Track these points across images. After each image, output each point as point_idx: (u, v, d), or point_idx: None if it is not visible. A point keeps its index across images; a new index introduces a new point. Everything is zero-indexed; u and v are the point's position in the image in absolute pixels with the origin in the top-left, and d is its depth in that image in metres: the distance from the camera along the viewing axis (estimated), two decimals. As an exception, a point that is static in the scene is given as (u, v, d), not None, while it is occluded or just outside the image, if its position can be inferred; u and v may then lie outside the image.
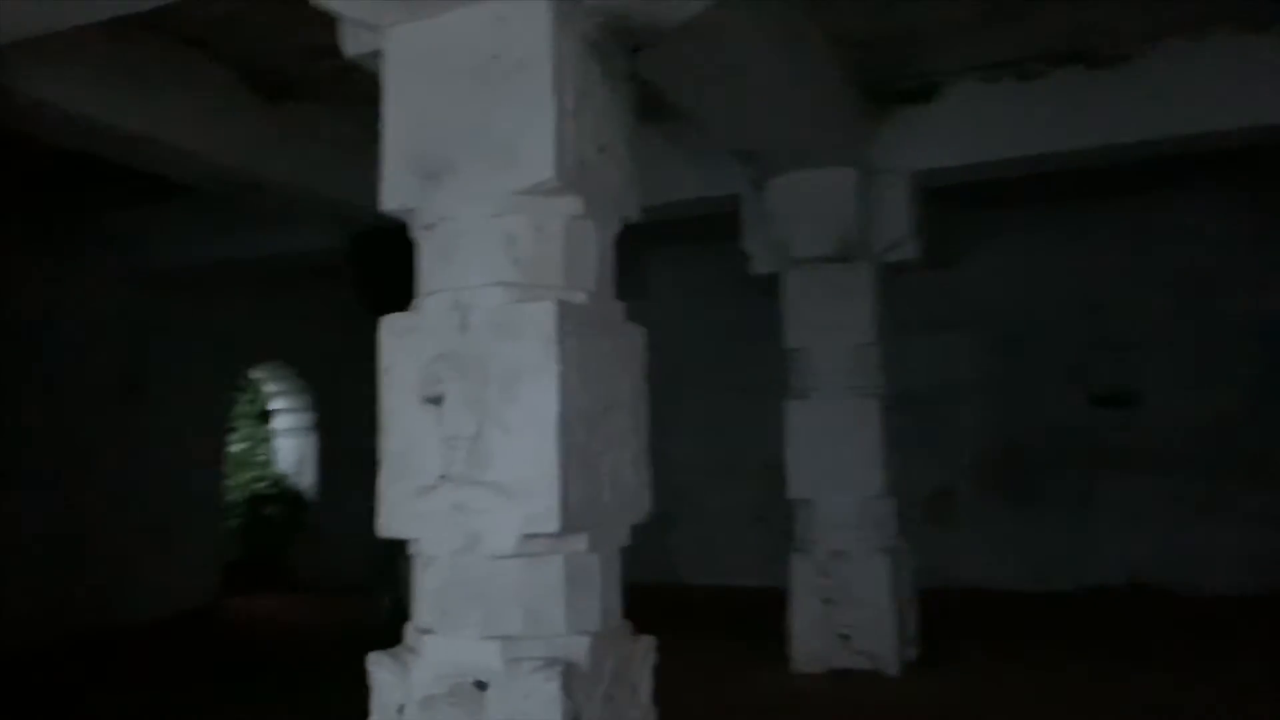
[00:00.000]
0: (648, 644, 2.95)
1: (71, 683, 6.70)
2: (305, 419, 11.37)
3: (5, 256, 7.63)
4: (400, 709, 2.69)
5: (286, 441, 11.72)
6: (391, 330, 2.85)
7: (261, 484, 11.68)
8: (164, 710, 5.87)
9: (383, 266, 6.28)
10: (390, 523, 2.80)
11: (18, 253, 7.80)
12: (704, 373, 9.90)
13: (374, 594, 7.58)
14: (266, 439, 12.08)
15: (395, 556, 2.95)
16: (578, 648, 2.64)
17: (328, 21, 3.17)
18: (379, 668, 2.76)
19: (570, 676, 2.56)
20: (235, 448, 11.30)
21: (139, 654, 7.64)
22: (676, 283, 10.10)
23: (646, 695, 2.91)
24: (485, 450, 2.63)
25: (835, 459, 6.25)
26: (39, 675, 6.86)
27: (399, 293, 3.12)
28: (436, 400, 2.71)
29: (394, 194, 2.89)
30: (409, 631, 2.82)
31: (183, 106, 5.58)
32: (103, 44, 4.98)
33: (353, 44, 3.12)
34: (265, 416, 12.00)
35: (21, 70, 4.65)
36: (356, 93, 5.49)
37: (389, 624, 3.34)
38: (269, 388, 11.58)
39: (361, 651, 2.85)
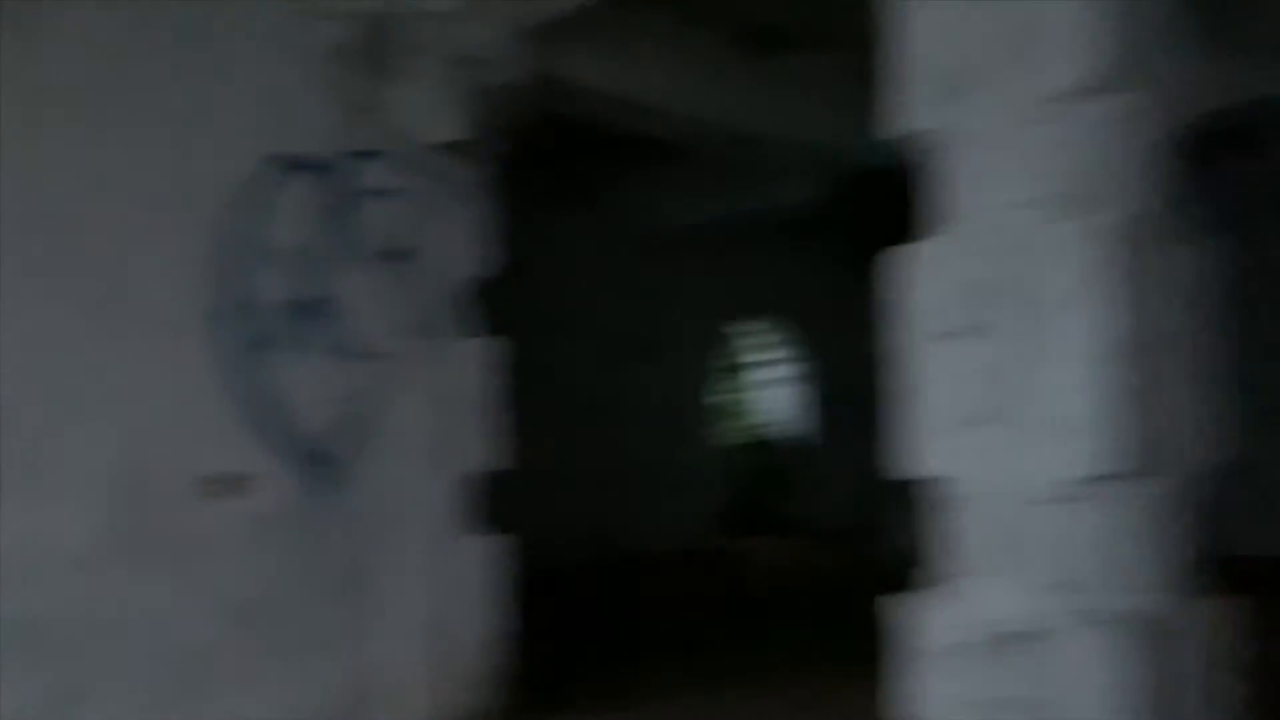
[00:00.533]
0: (1237, 605, 2.55)
1: (596, 599, 7.48)
2: (795, 369, 11.64)
3: (534, 223, 8.55)
4: (927, 655, 2.57)
5: (775, 391, 12.11)
6: (905, 263, 2.70)
7: (753, 432, 12.20)
8: (680, 630, 6.32)
9: (872, 209, 6.16)
10: (911, 462, 2.67)
11: (543, 218, 8.70)
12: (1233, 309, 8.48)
13: (878, 536, 7.58)
14: (752, 390, 12.58)
15: (902, 498, 2.81)
16: (1149, 604, 2.34)
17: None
18: (903, 612, 2.65)
19: (1144, 635, 2.27)
20: (725, 399, 11.88)
21: (650, 582, 8.32)
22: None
23: (1237, 665, 2.52)
24: (1024, 384, 2.42)
25: None
26: (570, 591, 7.72)
27: (890, 233, 2.98)
28: (965, 332, 2.53)
29: (911, 115, 2.72)
30: (931, 576, 2.68)
31: (681, 72, 5.85)
32: (605, 22, 5.33)
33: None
34: (747, 368, 12.50)
35: (554, 57, 5.12)
36: (838, 39, 5.41)
37: (895, 567, 3.22)
38: (751, 340, 12.01)
39: (861, 593, 2.76)
